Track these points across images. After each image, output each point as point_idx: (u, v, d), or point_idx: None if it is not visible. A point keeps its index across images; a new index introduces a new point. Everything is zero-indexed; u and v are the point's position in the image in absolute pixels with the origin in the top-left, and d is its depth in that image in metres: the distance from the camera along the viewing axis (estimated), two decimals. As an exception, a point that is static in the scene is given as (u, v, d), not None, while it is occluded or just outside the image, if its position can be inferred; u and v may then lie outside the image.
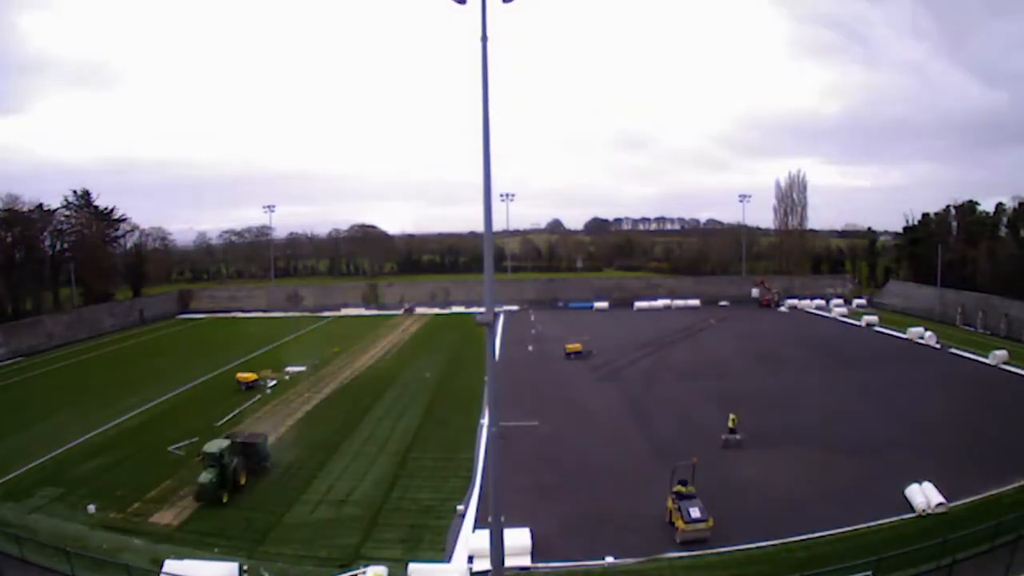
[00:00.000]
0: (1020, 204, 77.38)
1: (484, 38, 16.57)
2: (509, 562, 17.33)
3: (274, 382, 41.10)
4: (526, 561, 18.85)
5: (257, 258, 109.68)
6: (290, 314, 76.24)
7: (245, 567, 18.45)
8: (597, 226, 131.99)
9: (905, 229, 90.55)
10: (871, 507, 21.41)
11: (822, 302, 73.89)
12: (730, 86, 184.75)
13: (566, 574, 18.46)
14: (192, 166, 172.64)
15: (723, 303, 76.33)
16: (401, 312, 75.99)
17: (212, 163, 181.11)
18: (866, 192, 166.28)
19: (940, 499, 21.14)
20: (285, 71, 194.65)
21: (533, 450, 27.71)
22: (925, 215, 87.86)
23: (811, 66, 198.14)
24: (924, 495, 21.42)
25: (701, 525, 19.76)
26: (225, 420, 33.32)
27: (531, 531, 19.42)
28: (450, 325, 66.08)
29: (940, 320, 59.73)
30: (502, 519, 17.14)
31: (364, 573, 18.11)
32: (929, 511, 21.00)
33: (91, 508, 22.62)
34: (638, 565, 18.62)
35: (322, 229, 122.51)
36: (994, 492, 22.40)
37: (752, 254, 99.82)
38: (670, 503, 20.76)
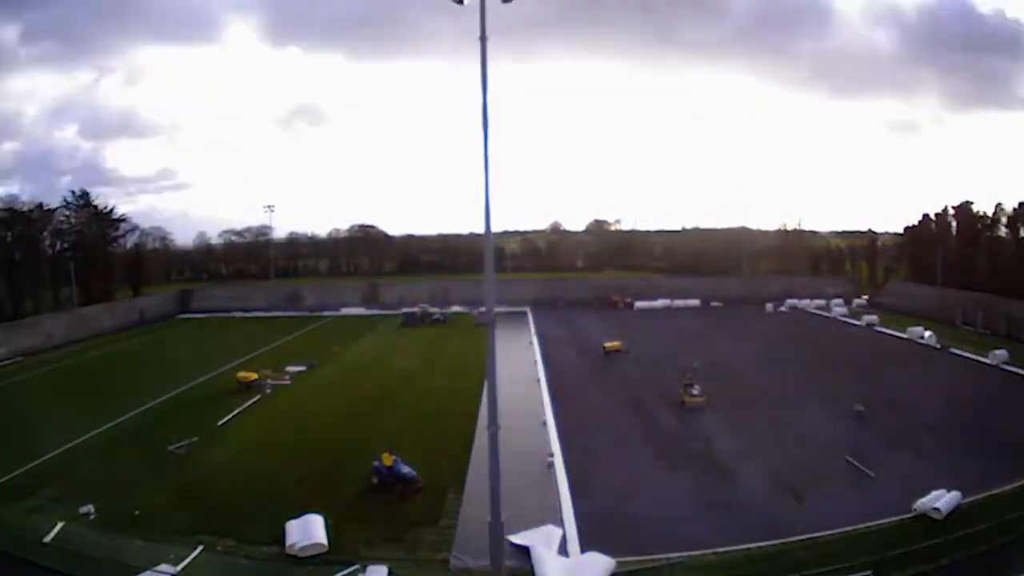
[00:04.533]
0: (1020, 204, 77.49)
1: (483, 37, 16.62)
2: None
3: (275, 383, 41.06)
4: None
5: (257, 258, 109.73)
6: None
7: None
8: (597, 226, 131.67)
9: (905, 229, 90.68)
10: (871, 507, 21.36)
11: (822, 302, 73.94)
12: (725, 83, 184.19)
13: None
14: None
15: (714, 303, 76.49)
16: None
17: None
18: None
19: (942, 501, 21.04)
20: (281, 68, 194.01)
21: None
22: (925, 215, 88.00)
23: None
24: (927, 497, 21.32)
25: (699, 398, 33.36)
26: (225, 420, 33.40)
27: None
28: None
29: (940, 320, 59.73)
30: (502, 519, 17.20)
31: (364, 573, 18.11)
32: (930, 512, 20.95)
33: (88, 508, 22.58)
34: (639, 566, 18.61)
35: (322, 229, 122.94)
36: (994, 492, 22.35)
37: (752, 254, 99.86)
38: (681, 390, 34.15)
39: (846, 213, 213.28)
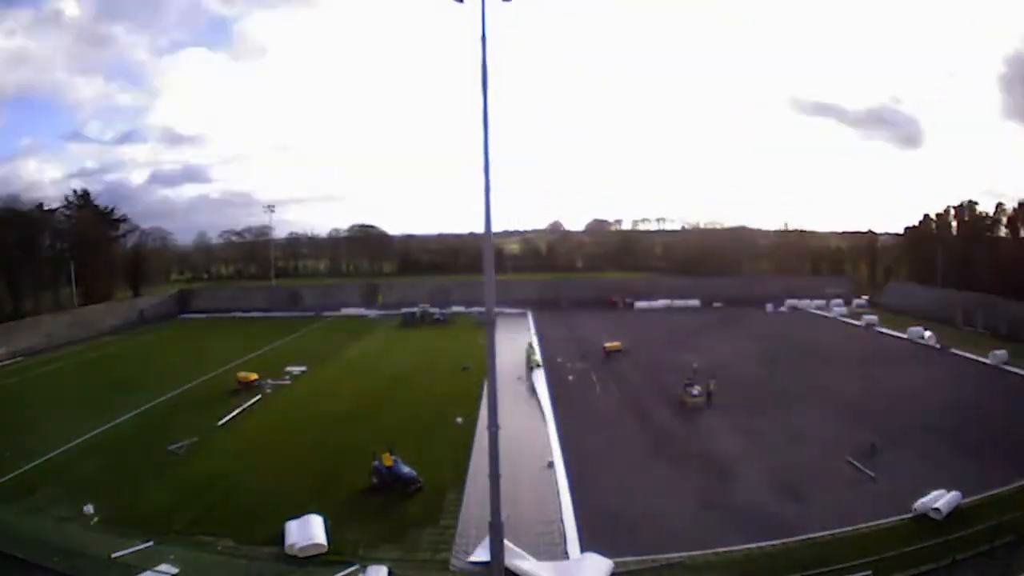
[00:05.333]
0: (1020, 204, 77.53)
1: (483, 38, 16.62)
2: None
3: (275, 382, 41.04)
4: None
5: (257, 258, 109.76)
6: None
7: None
8: (597, 226, 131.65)
9: (905, 229, 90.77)
10: (871, 507, 21.36)
11: (822, 302, 73.95)
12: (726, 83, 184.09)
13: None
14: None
15: (715, 303, 76.57)
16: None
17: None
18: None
19: (942, 501, 21.02)
20: (280, 66, 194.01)
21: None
22: (925, 215, 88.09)
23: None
24: (927, 497, 21.31)
25: (699, 399, 33.44)
26: (225, 420, 33.38)
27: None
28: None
29: (940, 320, 59.71)
30: (502, 519, 17.18)
31: (364, 573, 18.10)
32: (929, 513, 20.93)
33: (89, 508, 22.58)
34: (638, 566, 18.60)
35: (322, 229, 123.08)
36: (994, 492, 22.35)
37: (752, 254, 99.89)
38: (681, 391, 34.37)
39: (846, 213, 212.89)
